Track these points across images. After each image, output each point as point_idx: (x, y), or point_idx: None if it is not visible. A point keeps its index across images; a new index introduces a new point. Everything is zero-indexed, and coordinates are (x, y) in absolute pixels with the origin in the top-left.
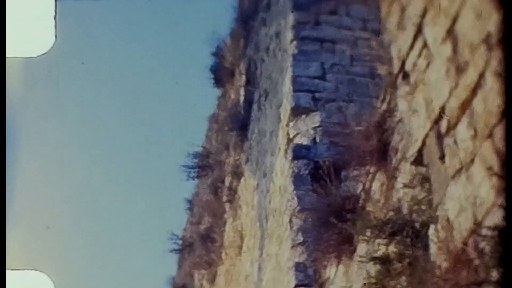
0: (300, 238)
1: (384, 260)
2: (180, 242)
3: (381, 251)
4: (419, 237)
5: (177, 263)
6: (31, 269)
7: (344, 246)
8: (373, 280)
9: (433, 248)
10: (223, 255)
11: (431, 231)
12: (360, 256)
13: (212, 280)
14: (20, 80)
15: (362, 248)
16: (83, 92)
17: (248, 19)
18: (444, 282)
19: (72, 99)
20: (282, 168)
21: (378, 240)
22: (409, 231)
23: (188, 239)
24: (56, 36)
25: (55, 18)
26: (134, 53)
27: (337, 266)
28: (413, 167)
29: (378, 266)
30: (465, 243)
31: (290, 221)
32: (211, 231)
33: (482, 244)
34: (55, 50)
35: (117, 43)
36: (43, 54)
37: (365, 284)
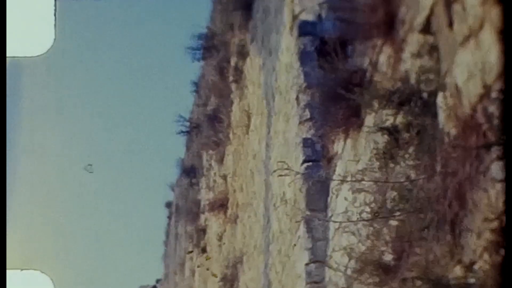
0: (307, 114)
1: (392, 131)
2: (187, 124)
3: (389, 122)
4: (427, 106)
5: (185, 145)
6: (31, 269)
7: (351, 120)
8: (381, 151)
9: (441, 116)
10: (231, 135)
11: (439, 99)
12: (368, 127)
13: (221, 160)
14: (19, 79)
15: (369, 120)
16: (82, 91)
17: None
18: (453, 148)
19: (71, 98)
20: (288, 45)
21: (385, 111)
22: (417, 101)
23: (195, 121)
24: (55, 36)
25: (54, 18)
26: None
27: (344, 140)
28: (420, 36)
29: (386, 137)
30: (474, 109)
31: (297, 97)
32: (218, 111)
33: (491, 108)
34: (54, 49)
35: (116, 42)
36: (42, 54)
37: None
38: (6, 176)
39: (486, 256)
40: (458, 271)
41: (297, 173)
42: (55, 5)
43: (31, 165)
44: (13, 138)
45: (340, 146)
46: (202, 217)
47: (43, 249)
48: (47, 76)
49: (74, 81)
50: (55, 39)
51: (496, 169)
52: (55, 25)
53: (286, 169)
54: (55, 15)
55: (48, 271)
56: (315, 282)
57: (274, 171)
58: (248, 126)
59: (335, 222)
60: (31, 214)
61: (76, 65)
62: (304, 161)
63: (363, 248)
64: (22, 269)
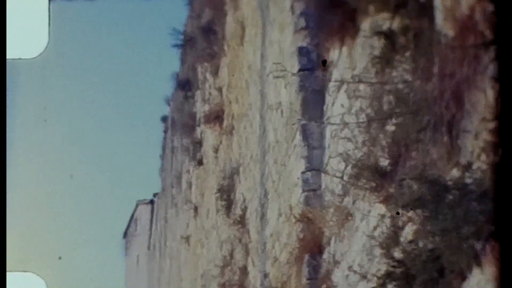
0: (302, 23)
1: (388, 35)
2: (181, 37)
3: (385, 26)
4: (424, 9)
5: (180, 58)
6: (25, 271)
7: (347, 25)
8: (377, 56)
9: (438, 18)
10: (225, 46)
11: (436, 0)
12: (364, 32)
13: (216, 72)
14: (13, 81)
15: (365, 25)
16: (78, 92)
17: None
18: (450, 50)
19: (67, 99)
20: None
21: (382, 15)
22: (414, 3)
23: (190, 34)
24: (49, 38)
25: (48, 20)
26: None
27: (340, 48)
28: None
29: (382, 41)
30: (472, 9)
31: (292, 6)
32: (212, 23)
33: (490, 7)
34: (48, 51)
35: (110, 43)
36: (36, 56)
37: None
38: (6, 176)
39: (483, 156)
40: (455, 172)
41: (293, 74)
42: (49, 7)
43: (27, 167)
44: (10, 140)
45: (336, 54)
46: (198, 129)
47: (37, 251)
48: (41, 78)
49: (68, 83)
50: (49, 41)
51: (494, 69)
52: (49, 27)
53: (282, 70)
54: (49, 17)
55: (42, 274)
56: (312, 190)
57: (270, 73)
58: (242, 37)
59: (331, 124)
60: (27, 216)
61: (70, 67)
62: (300, 70)
63: (359, 154)
64: (16, 271)
